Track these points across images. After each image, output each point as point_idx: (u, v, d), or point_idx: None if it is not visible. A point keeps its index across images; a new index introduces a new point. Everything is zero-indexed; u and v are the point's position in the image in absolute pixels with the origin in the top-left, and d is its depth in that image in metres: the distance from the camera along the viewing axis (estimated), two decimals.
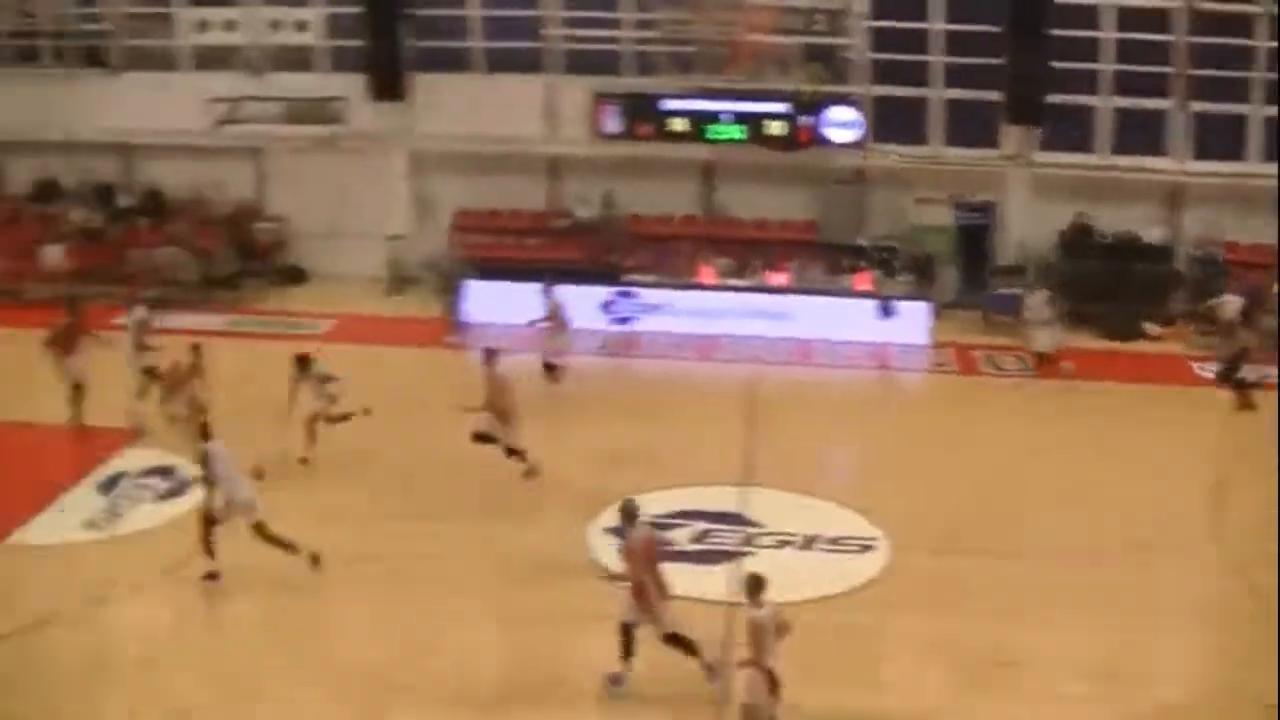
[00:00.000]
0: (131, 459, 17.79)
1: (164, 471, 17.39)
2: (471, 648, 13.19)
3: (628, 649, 12.01)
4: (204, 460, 14.06)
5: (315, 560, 14.06)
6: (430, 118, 26.19)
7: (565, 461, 17.36)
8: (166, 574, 14.36)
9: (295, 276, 26.97)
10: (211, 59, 27.15)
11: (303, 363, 17.10)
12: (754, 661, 10.81)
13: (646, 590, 11.78)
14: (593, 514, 15.72)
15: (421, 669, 12.58)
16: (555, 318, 20.27)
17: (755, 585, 10.89)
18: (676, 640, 11.96)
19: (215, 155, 27.05)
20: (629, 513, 12.10)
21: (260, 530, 13.86)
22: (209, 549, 13.98)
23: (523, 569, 14.64)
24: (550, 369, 20.09)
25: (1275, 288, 23.34)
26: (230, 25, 26.53)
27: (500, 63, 26.13)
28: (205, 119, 26.48)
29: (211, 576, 13.96)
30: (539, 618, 13.67)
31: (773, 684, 10.72)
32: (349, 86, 26.22)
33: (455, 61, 26.25)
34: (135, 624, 13.80)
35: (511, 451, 16.68)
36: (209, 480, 13.97)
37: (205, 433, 14.36)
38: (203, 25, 26.70)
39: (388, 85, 25.99)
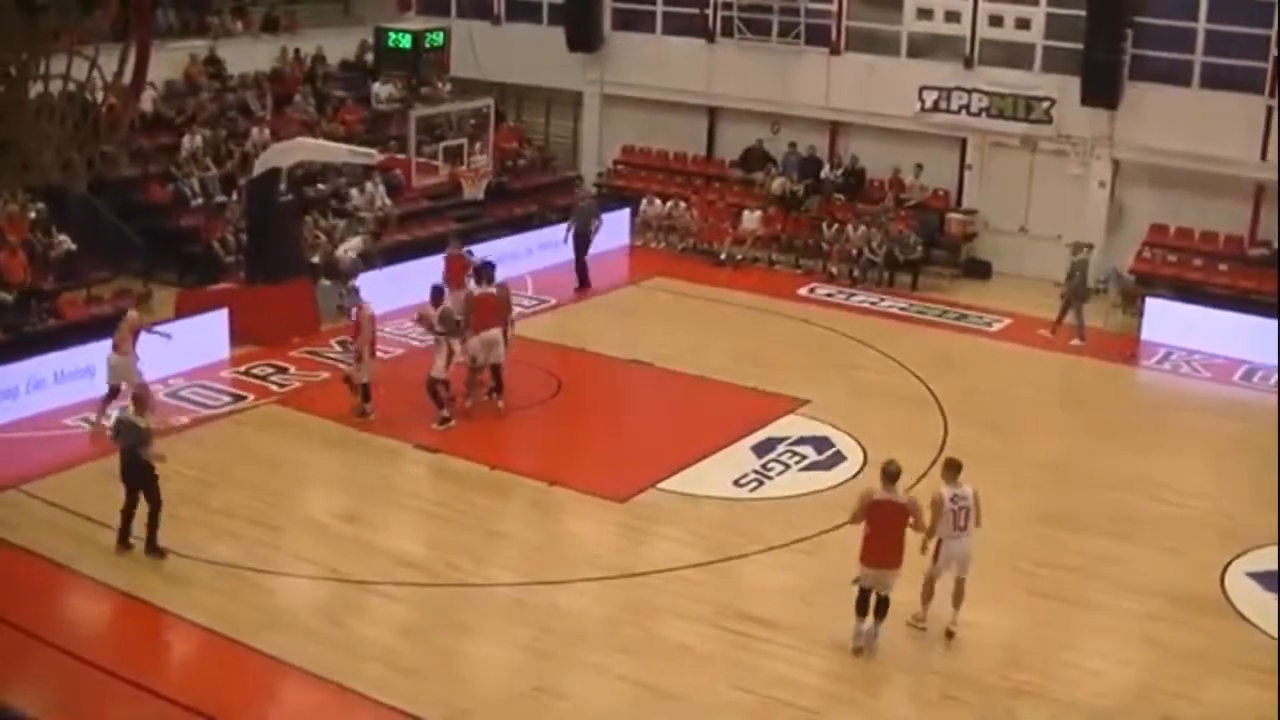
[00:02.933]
0: (790, 425, 23.35)
1: (818, 442, 22.84)
2: (1086, 667, 16.43)
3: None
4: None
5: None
6: (1139, 128, 31.93)
7: (1219, 496, 21.29)
8: (786, 544, 18.93)
9: (979, 271, 33.59)
10: (925, 46, 34.61)
11: None
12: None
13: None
14: (1236, 554, 19.27)
15: (1033, 682, 16.05)
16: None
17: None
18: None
19: (919, 140, 34.60)
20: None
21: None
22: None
23: (1151, 596, 18.02)
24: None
25: None
26: (953, 16, 33.78)
27: (1219, 80, 31.25)
28: (913, 105, 34.24)
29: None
30: (1158, 648, 16.99)
31: None
32: (1060, 87, 32.51)
33: (1170, 73, 31.67)
34: (746, 583, 18.20)
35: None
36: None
37: None
38: (926, 13, 34.22)
39: (1101, 90, 31.69)
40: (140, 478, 17.84)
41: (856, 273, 32.97)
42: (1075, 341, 29.05)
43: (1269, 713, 15.22)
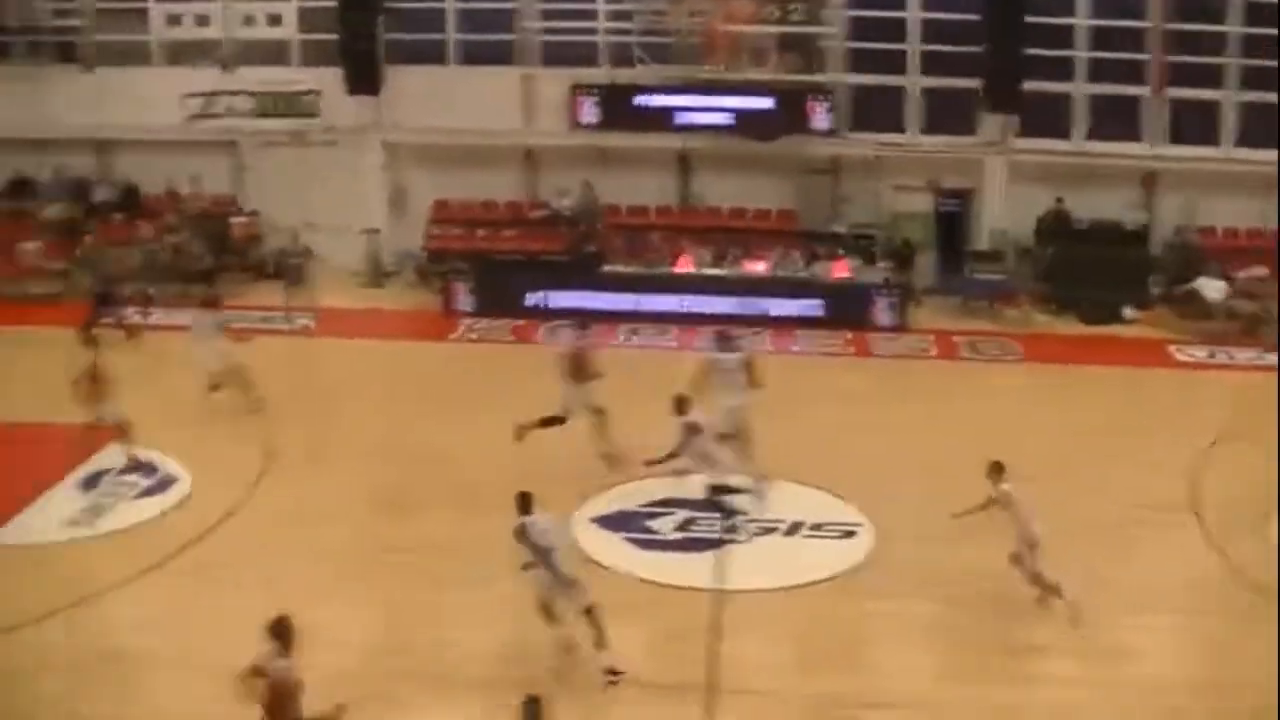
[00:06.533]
0: (113, 456, 22.11)
1: (145, 468, 21.99)
2: (469, 639, 16.78)
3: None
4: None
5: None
6: (405, 110, 32.82)
7: (552, 449, 21.67)
8: (150, 569, 18.36)
9: (271, 271, 32.78)
10: (184, 53, 34.05)
11: None
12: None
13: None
14: (577, 504, 20.05)
15: (427, 659, 16.35)
16: None
17: None
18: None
19: (190, 149, 33.83)
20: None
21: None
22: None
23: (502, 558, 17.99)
24: None
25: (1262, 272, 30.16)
26: (203, 20, 33.37)
27: (475, 55, 32.81)
28: (179, 113, 33.43)
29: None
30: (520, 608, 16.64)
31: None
32: (323, 79, 32.85)
33: (430, 54, 32.81)
34: (120, 621, 17.34)
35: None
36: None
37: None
38: (175, 20, 33.66)
39: (362, 78, 32.31)
40: None
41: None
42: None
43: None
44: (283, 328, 29.79)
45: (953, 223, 32.96)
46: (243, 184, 34.88)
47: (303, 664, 15.84)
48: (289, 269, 30.03)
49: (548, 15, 32.86)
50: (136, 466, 22.18)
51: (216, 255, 33.14)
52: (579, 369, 21.93)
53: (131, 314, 29.07)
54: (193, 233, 33.02)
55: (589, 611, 15.99)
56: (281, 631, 13.02)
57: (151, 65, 34.55)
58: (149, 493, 21.47)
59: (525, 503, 16.36)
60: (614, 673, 15.93)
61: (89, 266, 30.10)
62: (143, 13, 34.22)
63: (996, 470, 17.50)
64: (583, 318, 23.86)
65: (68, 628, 17.19)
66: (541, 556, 16.01)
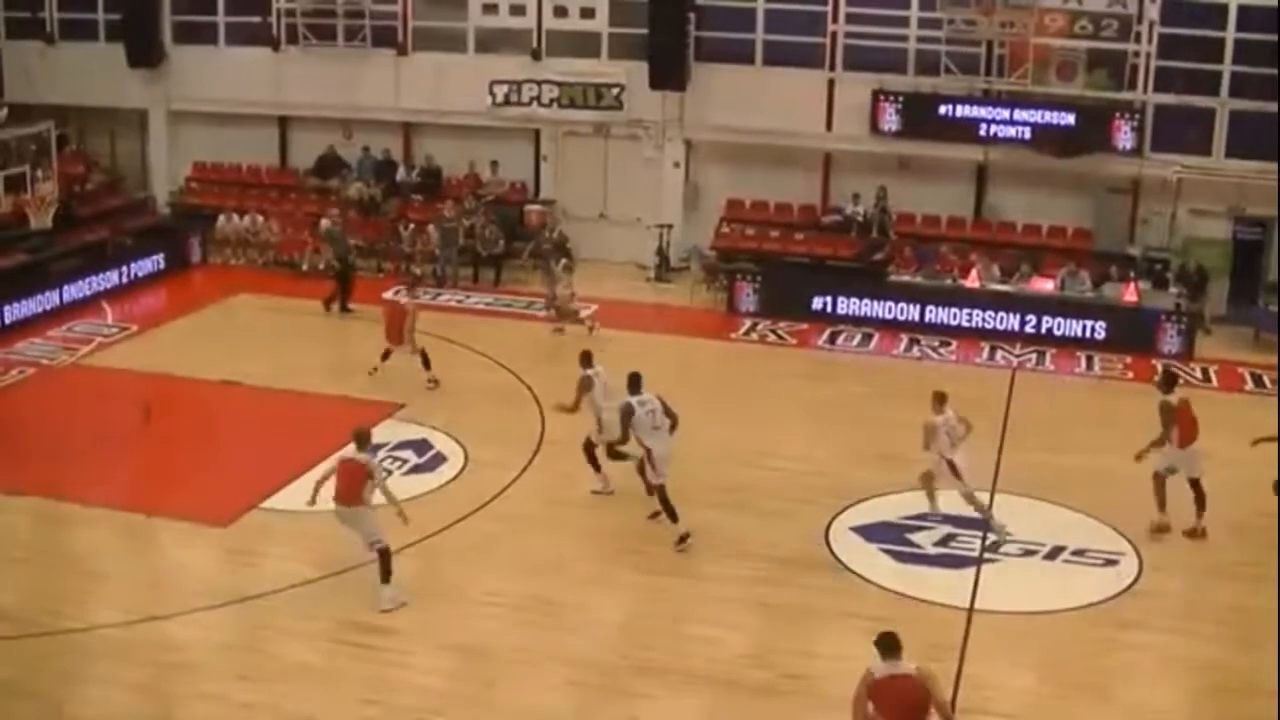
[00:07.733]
0: (389, 431, 22.56)
1: (418, 445, 22.58)
2: (703, 637, 16.82)
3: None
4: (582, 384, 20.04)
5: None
6: (708, 108, 33.10)
7: (818, 456, 22.28)
8: (405, 547, 18.28)
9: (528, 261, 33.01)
10: (493, 41, 34.93)
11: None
12: None
13: None
14: (837, 510, 20.23)
15: (654, 657, 16.36)
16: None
17: None
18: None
19: (493, 135, 34.90)
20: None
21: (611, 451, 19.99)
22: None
23: (760, 561, 18.68)
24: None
25: None
26: (518, 9, 34.24)
27: (778, 57, 32.85)
28: (484, 100, 34.53)
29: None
30: (771, 610, 17.55)
31: None
32: (629, 73, 33.38)
33: (735, 53, 32.98)
34: (367, 596, 17.45)
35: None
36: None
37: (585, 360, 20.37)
38: (491, 9, 34.53)
39: (668, 73, 32.64)
40: None
41: (439, 270, 32.96)
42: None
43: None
44: (541, 314, 30.45)
45: (1251, 251, 31.66)
46: (540, 172, 35.63)
47: (552, 646, 16.60)
48: (543, 256, 30.60)
49: (856, 20, 32.65)
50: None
51: (510, 240, 33.81)
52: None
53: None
54: (488, 217, 33.73)
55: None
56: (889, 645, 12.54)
57: (463, 52, 35.47)
58: (417, 470, 21.91)
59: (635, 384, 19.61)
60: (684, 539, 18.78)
61: (331, 242, 31.19)
62: (463, 0, 35.19)
63: None
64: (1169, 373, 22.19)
65: (316, 599, 17.75)
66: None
